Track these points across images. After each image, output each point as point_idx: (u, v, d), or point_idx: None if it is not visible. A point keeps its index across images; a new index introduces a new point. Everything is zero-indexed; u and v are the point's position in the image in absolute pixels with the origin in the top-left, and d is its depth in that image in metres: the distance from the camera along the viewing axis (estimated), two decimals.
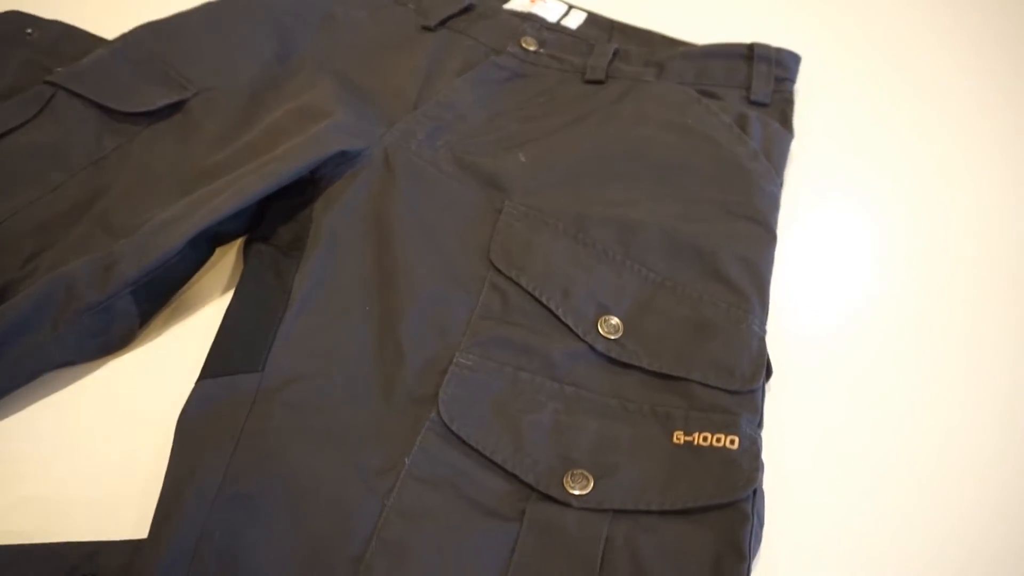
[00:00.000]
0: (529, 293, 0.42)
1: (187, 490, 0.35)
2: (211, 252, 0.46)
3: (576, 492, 0.36)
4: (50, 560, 0.34)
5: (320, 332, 0.41)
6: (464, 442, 0.37)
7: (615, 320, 0.42)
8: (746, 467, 0.36)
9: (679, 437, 0.38)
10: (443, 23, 0.56)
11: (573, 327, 0.41)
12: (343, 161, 0.47)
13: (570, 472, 0.37)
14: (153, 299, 0.43)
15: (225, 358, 0.40)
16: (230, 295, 0.45)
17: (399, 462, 0.37)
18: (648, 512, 0.35)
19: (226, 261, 0.47)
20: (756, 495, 0.36)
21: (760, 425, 0.39)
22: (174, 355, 0.43)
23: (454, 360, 0.40)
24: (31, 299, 0.40)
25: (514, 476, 0.37)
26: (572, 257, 0.44)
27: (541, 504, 0.36)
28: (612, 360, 0.41)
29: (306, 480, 0.35)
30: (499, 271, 0.43)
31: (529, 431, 0.38)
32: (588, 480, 0.36)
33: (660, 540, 0.34)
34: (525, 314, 0.42)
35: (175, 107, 0.50)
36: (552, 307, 0.42)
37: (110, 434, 0.40)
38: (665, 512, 0.35)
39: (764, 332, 0.42)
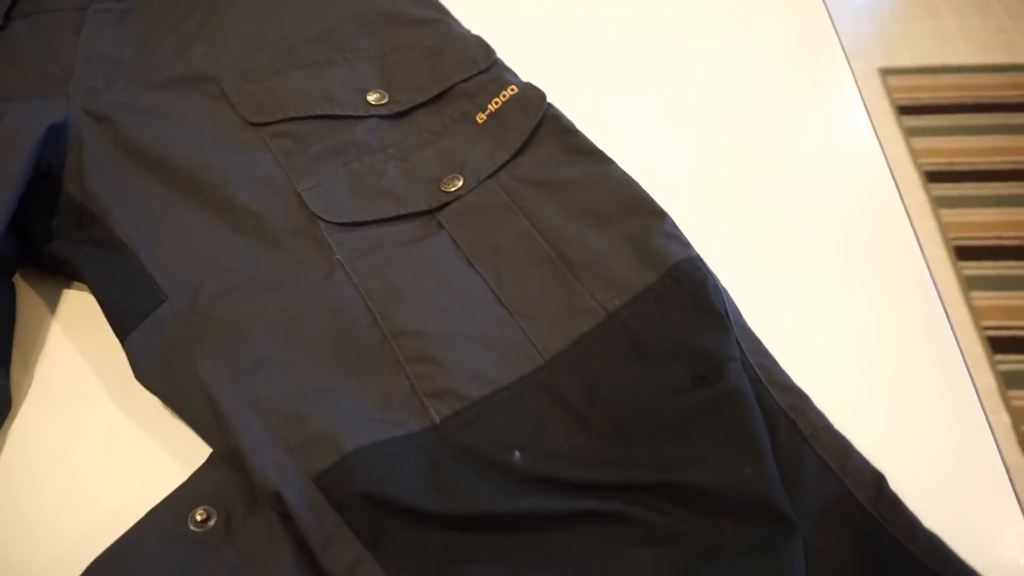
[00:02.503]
0: (304, 118, 0.48)
1: (209, 391, 0.37)
2: (10, 283, 0.43)
3: (455, 188, 0.45)
4: (155, 527, 0.34)
5: (180, 248, 0.43)
6: (359, 223, 0.44)
7: (376, 92, 0.50)
8: (532, 95, 0.48)
9: (481, 118, 0.48)
10: (7, 17, 0.54)
11: (355, 113, 0.49)
12: (56, 141, 0.46)
13: (439, 182, 0.46)
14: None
15: (127, 313, 0.40)
16: (60, 309, 0.44)
17: (332, 261, 0.42)
18: (505, 164, 0.46)
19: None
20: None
21: (515, 75, 0.51)
22: (61, 381, 0.41)
23: (298, 191, 0.45)
24: None
25: (412, 215, 0.45)
26: (309, 76, 0.50)
27: (444, 211, 0.44)
28: (398, 114, 0.49)
29: (285, 317, 0.40)
30: (267, 124, 0.48)
31: (392, 186, 0.46)
32: (457, 178, 0.46)
33: (528, 165, 0.45)
34: (314, 133, 0.48)
35: None
36: (329, 112, 0.49)
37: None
38: (514, 156, 0.46)
39: (467, 29, 0.53)
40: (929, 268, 0.44)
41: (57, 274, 0.45)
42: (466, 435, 0.36)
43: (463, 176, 0.45)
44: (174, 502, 0.35)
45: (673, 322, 0.38)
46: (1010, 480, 0.37)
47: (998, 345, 1.23)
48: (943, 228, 1.38)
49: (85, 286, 0.45)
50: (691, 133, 0.52)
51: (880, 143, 0.51)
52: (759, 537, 0.32)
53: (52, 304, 0.45)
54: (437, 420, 0.37)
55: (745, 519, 0.32)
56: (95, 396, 0.41)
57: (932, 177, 1.45)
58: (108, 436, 0.39)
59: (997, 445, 0.38)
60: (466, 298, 0.41)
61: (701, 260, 0.40)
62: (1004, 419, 1.15)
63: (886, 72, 1.58)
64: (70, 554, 0.36)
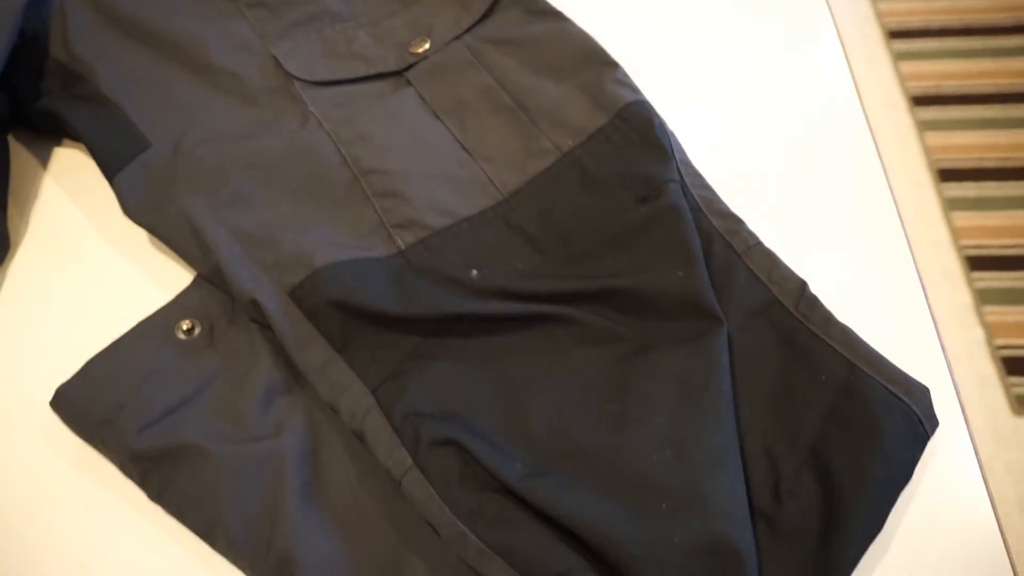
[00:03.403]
0: None
1: (192, 220, 0.40)
2: (3, 139, 0.46)
3: (422, 49, 0.47)
4: (146, 334, 0.37)
5: (161, 103, 0.46)
6: (332, 82, 0.47)
7: None
8: None
9: None
10: None
11: None
12: (40, 7, 0.48)
13: (408, 45, 0.48)
14: None
15: (114, 156, 0.43)
16: (52, 165, 0.47)
17: (307, 114, 0.45)
18: (471, 28, 0.48)
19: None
20: None
21: None
22: (53, 222, 0.45)
23: (273, 55, 0.48)
24: None
25: (381, 75, 0.47)
26: None
27: (412, 70, 0.47)
28: None
29: (262, 159, 0.42)
30: None
31: (363, 50, 0.48)
32: (424, 40, 0.48)
33: (492, 27, 0.48)
34: (288, 3, 0.50)
35: None
36: None
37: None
38: (479, 21, 0.48)
39: None
40: (893, 195, 0.45)
41: (47, 132, 0.48)
42: (428, 259, 0.39)
43: (430, 39, 0.48)
44: (163, 315, 0.38)
45: (621, 156, 0.41)
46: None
47: (975, 263, 1.26)
48: (928, 151, 1.40)
49: (74, 143, 0.47)
50: (663, 54, 0.50)
51: (851, 71, 0.51)
52: (689, 330, 0.35)
53: (43, 159, 0.47)
54: (403, 247, 0.40)
55: (676, 317, 0.36)
56: (86, 234, 0.44)
57: (919, 101, 1.46)
58: (99, 268, 0.43)
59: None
60: (430, 143, 0.43)
61: (649, 104, 0.42)
62: (979, 334, 1.18)
63: None
64: (69, 367, 0.39)
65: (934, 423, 0.34)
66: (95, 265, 0.43)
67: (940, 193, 1.34)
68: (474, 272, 0.38)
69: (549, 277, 0.38)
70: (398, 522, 0.33)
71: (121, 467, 0.35)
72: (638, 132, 0.41)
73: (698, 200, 0.40)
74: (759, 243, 0.38)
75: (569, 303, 0.37)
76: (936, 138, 1.41)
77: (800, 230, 0.43)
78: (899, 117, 1.45)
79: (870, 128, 0.47)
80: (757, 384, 0.35)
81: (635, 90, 0.43)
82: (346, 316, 0.36)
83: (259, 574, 0.32)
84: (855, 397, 0.34)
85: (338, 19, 0.50)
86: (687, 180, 0.41)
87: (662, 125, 0.42)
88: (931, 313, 0.40)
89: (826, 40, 0.52)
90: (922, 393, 0.34)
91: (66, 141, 0.48)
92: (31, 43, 0.48)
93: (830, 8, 0.54)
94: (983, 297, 1.23)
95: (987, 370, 1.16)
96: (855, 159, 0.46)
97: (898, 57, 1.53)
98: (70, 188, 0.46)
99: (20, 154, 0.48)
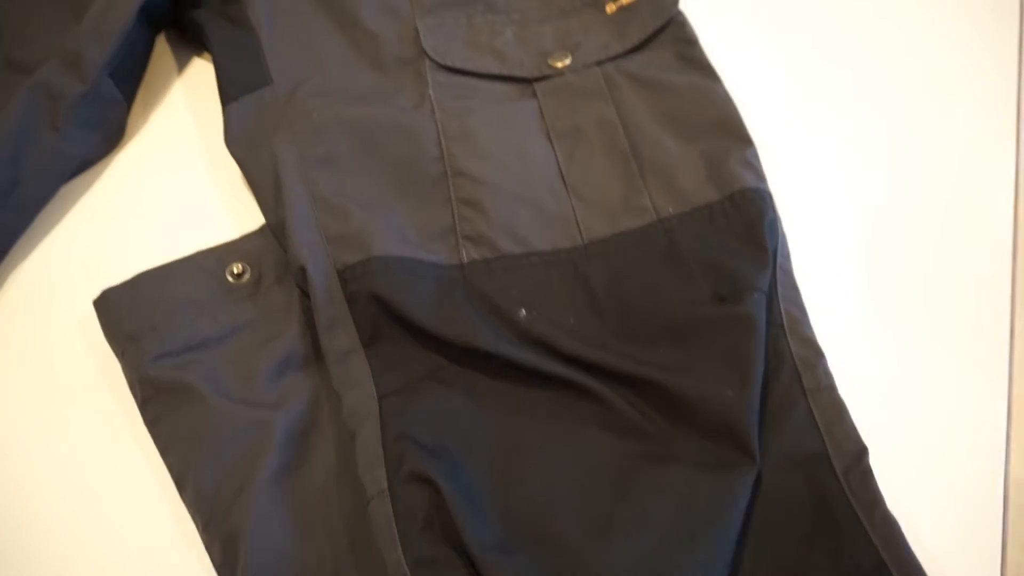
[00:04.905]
0: None
1: (278, 169, 0.40)
2: (157, 29, 0.48)
3: (561, 64, 0.46)
4: (199, 264, 0.38)
5: (296, 44, 0.46)
6: (461, 71, 0.45)
7: None
8: None
9: (611, 8, 0.48)
10: None
11: None
12: None
13: (548, 56, 0.46)
14: (128, 80, 0.46)
15: (234, 83, 0.44)
16: (186, 74, 0.49)
17: (424, 95, 0.44)
18: (618, 56, 0.46)
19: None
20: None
21: None
22: (167, 130, 0.46)
23: (417, 26, 0.47)
24: (17, 113, 0.42)
25: (511, 78, 0.46)
26: None
27: (543, 82, 0.45)
28: None
29: (365, 126, 0.42)
30: None
31: (503, 48, 0.47)
32: (566, 55, 0.46)
33: (638, 61, 0.45)
34: None
35: None
36: None
37: None
38: (629, 51, 0.46)
39: None
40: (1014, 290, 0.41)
41: (191, 42, 0.49)
42: (485, 282, 0.38)
43: (572, 55, 0.46)
44: (221, 251, 0.39)
45: (716, 241, 0.37)
46: None
47: None
48: None
49: (210, 60, 0.49)
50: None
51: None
52: (716, 458, 0.32)
53: (181, 65, 0.49)
54: (464, 260, 0.38)
55: (709, 437, 0.33)
56: (191, 150, 0.45)
57: None
58: (188, 186, 0.44)
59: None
60: (531, 163, 0.42)
61: (770, 197, 0.39)
62: None
63: None
64: (123, 269, 0.40)
65: None
66: (186, 182, 0.44)
67: None
68: (523, 312, 0.37)
69: (596, 345, 0.35)
70: (355, 535, 0.32)
71: (130, 384, 0.36)
72: (745, 223, 0.38)
73: (783, 316, 0.36)
74: (833, 387, 0.34)
75: (605, 379, 0.35)
76: None
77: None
78: None
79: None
80: (772, 538, 0.31)
81: (760, 176, 0.39)
82: (382, 313, 0.36)
83: (209, 537, 0.32)
84: None
85: (491, 9, 0.48)
86: (781, 292, 0.37)
87: (774, 223, 0.38)
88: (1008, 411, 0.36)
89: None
90: None
91: (206, 54, 0.49)
92: None
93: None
94: None
95: None
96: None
97: None
98: (194, 102, 0.47)
99: (162, 54, 0.50)
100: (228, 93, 0.44)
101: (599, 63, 0.46)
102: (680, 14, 0.47)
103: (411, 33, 0.47)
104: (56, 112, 0.42)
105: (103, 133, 0.44)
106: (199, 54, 0.50)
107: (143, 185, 0.45)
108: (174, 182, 0.44)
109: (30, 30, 0.47)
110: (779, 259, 0.38)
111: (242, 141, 0.42)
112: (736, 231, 0.38)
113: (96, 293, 0.38)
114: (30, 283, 0.42)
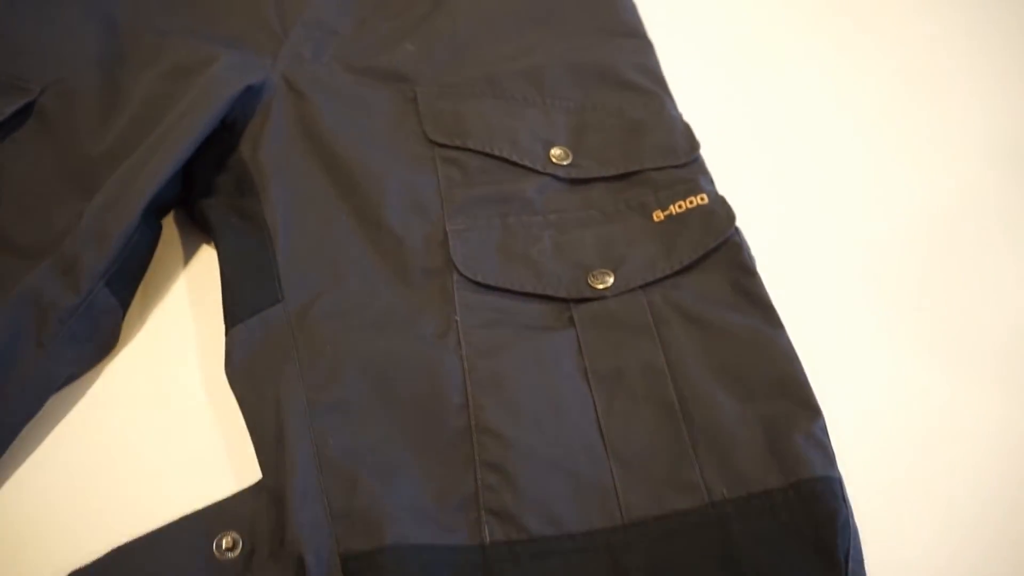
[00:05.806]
0: (481, 153, 0.46)
1: (282, 417, 0.36)
2: (161, 225, 0.44)
3: (603, 286, 0.41)
4: (183, 536, 0.34)
5: (314, 250, 0.42)
6: (493, 288, 0.41)
7: (561, 149, 0.46)
8: (721, 212, 0.43)
9: (659, 215, 0.44)
10: None
11: (531, 166, 0.46)
12: (249, 99, 0.47)
13: (590, 274, 0.42)
14: (127, 285, 0.42)
15: (243, 302, 0.40)
16: (191, 266, 0.45)
17: (451, 321, 0.40)
18: (666, 277, 0.41)
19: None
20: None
21: (711, 183, 0.46)
22: (164, 341, 0.42)
23: (447, 229, 0.43)
24: (1, 326, 0.37)
25: (547, 297, 0.41)
26: (502, 111, 0.48)
27: (582, 306, 0.41)
28: (575, 181, 0.46)
29: (382, 365, 0.38)
30: (443, 145, 0.46)
31: (539, 259, 0.42)
32: (608, 274, 0.42)
33: (688, 290, 0.41)
34: (484, 172, 0.45)
35: (25, 111, 0.46)
36: (507, 156, 0.46)
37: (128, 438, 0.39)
38: (678, 272, 0.41)
39: (680, 113, 0.48)
40: None
41: (202, 229, 0.45)
42: (508, 570, 0.33)
43: (615, 275, 0.41)
44: (208, 518, 0.34)
45: (780, 547, 0.32)
46: None
47: None
48: None
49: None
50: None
51: None
52: None
53: (188, 257, 0.45)
54: (487, 541, 0.33)
55: None
56: (187, 368, 0.41)
57: None
58: (180, 416, 0.39)
59: None
60: (567, 416, 0.37)
61: (841, 484, 0.34)
62: None
63: None
64: (104, 518, 0.36)
65: None
66: (178, 418, 0.39)
67: None
68: None
69: None
70: None
71: None
72: (813, 524, 0.33)
73: None
74: None
75: None
76: None
77: None
78: None
79: None
80: None
81: (830, 459, 0.34)
82: None
83: None
84: None
85: (528, 209, 0.44)
86: None
87: (847, 523, 0.33)
88: None
89: None
90: None
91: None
92: (226, 131, 0.46)
93: None
94: None
95: None
96: None
97: None
98: (198, 307, 0.43)
99: (169, 241, 0.46)
100: (234, 314, 0.39)
101: (644, 285, 0.41)
102: (737, 232, 0.42)
103: (439, 236, 0.43)
104: (45, 324, 0.38)
105: (94, 347, 0.40)
106: (208, 242, 0.46)
107: (126, 420, 0.39)
108: (165, 417, 0.39)
109: (27, 207, 0.43)
110: (851, 564, 0.33)
111: (244, 373, 0.38)
112: (804, 536, 0.32)
113: (63, 573, 0.33)
114: None
